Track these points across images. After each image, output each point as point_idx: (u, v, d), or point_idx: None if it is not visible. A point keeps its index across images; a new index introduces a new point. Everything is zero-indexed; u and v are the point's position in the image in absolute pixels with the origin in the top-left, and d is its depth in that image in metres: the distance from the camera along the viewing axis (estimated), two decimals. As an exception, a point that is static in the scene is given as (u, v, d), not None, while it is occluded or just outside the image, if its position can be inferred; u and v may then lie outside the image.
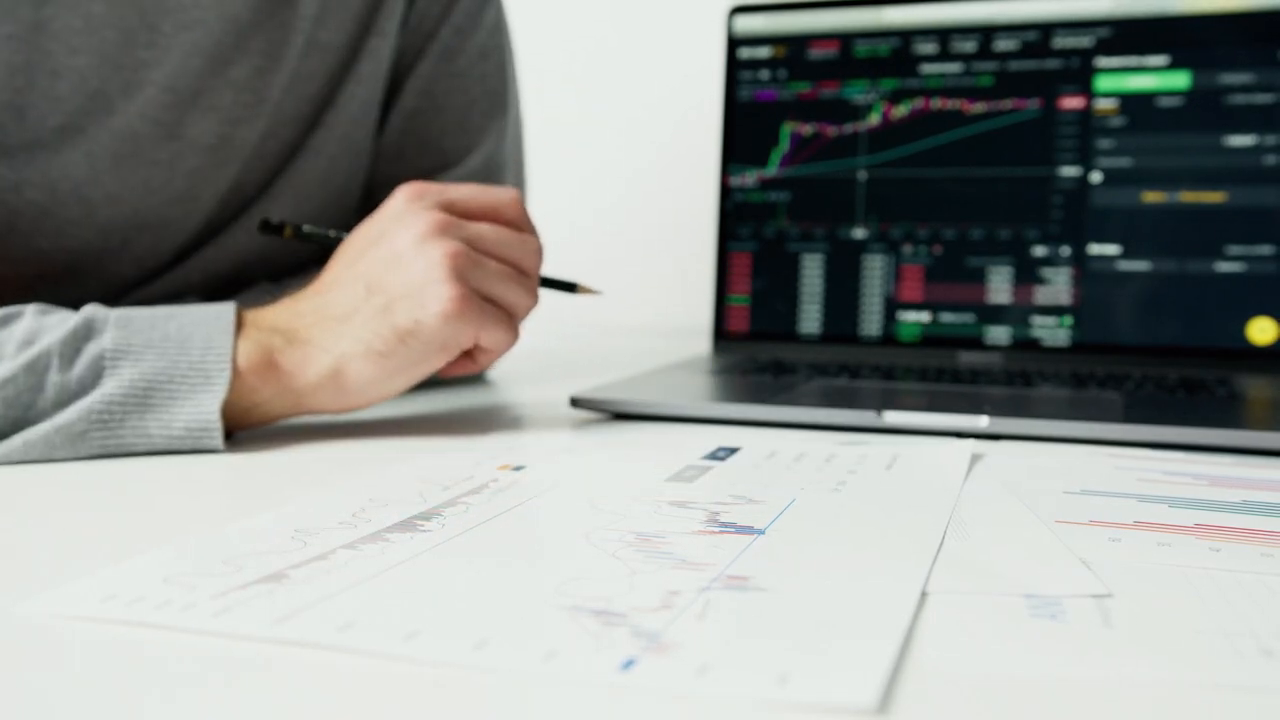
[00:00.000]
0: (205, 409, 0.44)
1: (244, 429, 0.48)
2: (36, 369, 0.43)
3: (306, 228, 0.54)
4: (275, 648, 0.24)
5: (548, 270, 0.55)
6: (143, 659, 0.24)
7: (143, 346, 0.44)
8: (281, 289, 0.51)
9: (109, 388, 0.43)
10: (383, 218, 0.49)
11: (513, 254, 0.49)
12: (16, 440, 0.42)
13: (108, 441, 0.43)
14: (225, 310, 0.47)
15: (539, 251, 0.51)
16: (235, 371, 0.45)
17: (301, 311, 0.48)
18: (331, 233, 0.54)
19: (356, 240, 0.50)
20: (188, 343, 0.45)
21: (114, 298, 0.61)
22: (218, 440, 0.44)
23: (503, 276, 0.49)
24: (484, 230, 0.49)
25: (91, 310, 0.45)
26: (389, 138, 0.69)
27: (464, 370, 0.51)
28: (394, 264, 0.47)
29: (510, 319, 0.50)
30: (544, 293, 0.53)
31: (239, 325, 0.47)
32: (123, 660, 0.24)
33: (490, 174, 0.71)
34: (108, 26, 0.54)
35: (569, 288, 0.56)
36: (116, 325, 0.45)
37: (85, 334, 0.44)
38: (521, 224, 0.51)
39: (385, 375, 0.47)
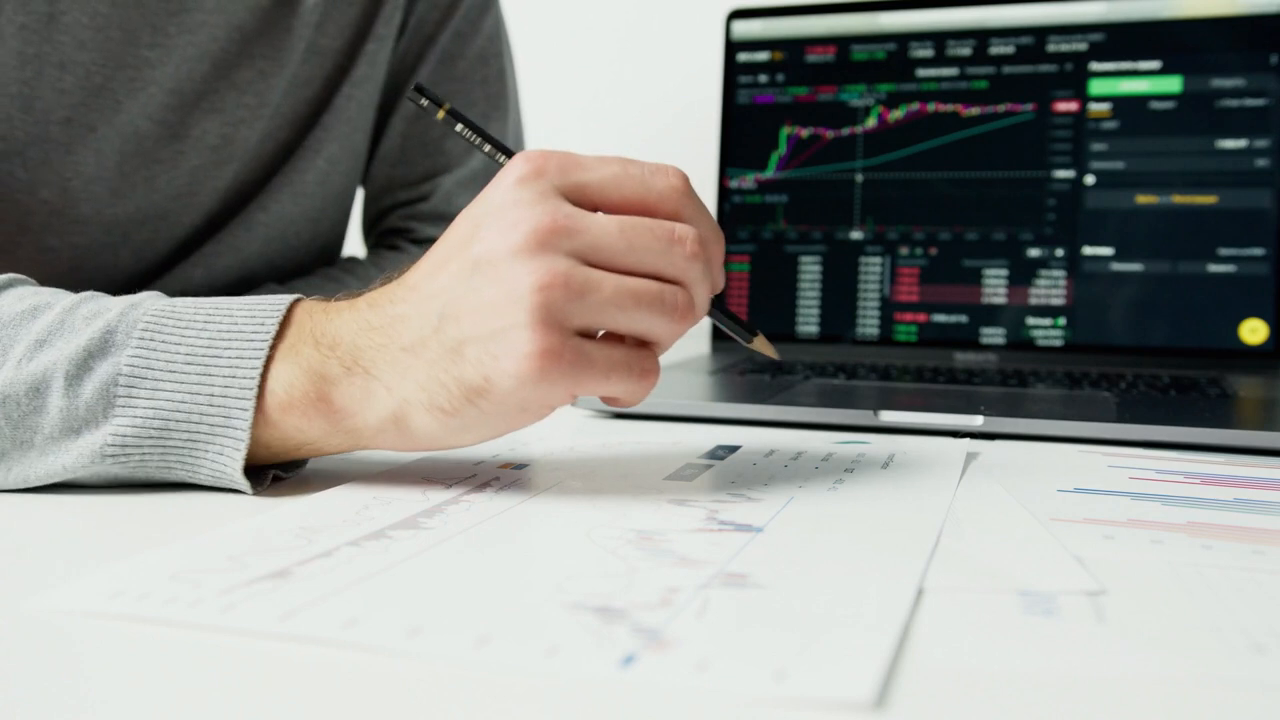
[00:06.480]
0: (226, 463, 0.37)
1: (300, 459, 0.40)
2: (39, 389, 0.37)
3: (460, 127, 0.42)
4: (280, 643, 0.24)
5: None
6: (149, 654, 0.24)
7: (163, 370, 0.37)
8: (384, 276, 0.41)
9: (120, 423, 0.36)
10: (486, 201, 0.37)
11: (653, 262, 0.36)
12: (17, 470, 0.38)
13: (126, 474, 0.38)
14: (272, 313, 0.38)
15: (696, 255, 0.36)
16: (276, 406, 0.37)
17: (373, 324, 0.37)
18: (478, 140, 0.41)
19: (456, 230, 0.37)
20: (212, 366, 0.37)
21: (115, 293, 0.61)
22: (247, 489, 0.38)
23: (632, 303, 0.35)
24: (608, 233, 0.35)
25: (122, 313, 0.38)
26: (391, 141, 0.70)
27: (612, 405, 0.39)
28: (476, 282, 0.35)
29: (639, 359, 0.37)
30: None
31: (294, 336, 0.37)
32: (129, 655, 0.24)
33: (491, 175, 0.71)
34: (112, 25, 0.55)
35: (744, 331, 0.43)
36: (142, 338, 0.37)
37: (101, 349, 0.37)
38: (682, 217, 0.37)
39: (452, 433, 0.37)
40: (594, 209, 0.37)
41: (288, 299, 0.38)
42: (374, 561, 0.30)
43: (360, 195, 0.74)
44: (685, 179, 0.38)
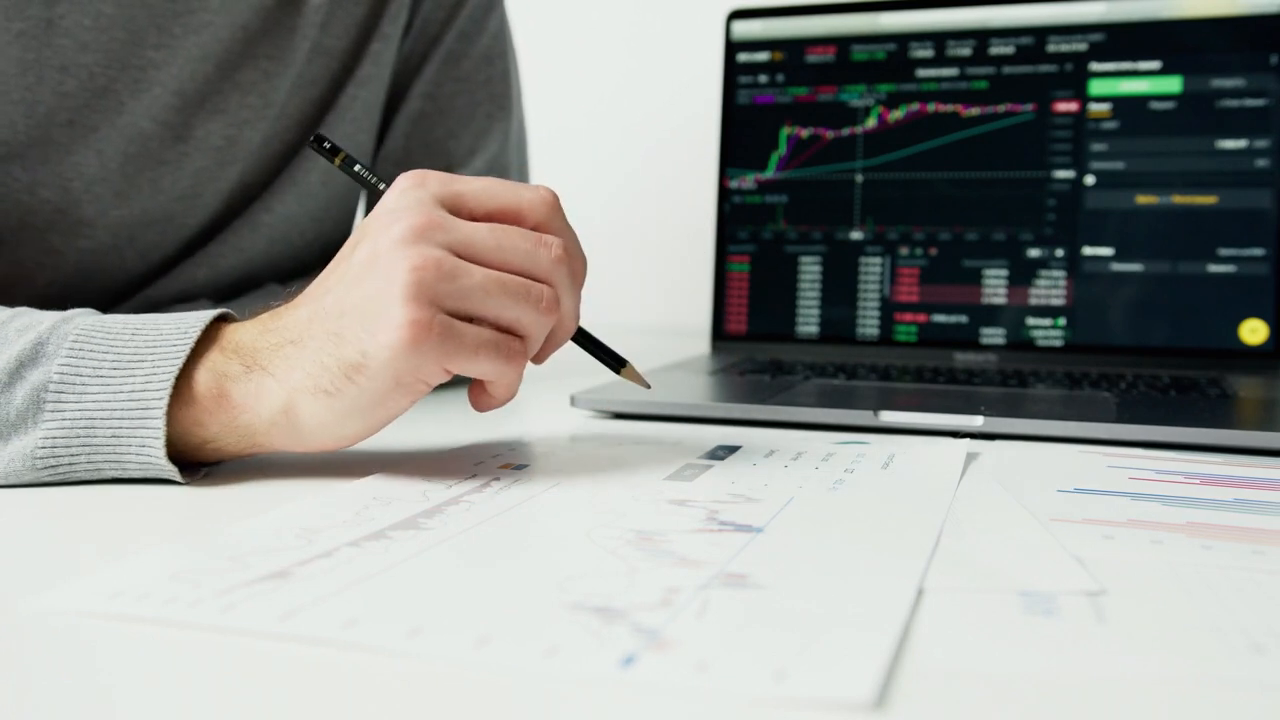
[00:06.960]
0: (151, 454, 0.38)
1: (207, 463, 0.41)
2: None
3: (358, 167, 0.47)
4: (280, 644, 0.24)
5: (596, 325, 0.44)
6: (149, 654, 0.24)
7: (91, 376, 0.39)
8: (289, 292, 0.44)
9: (50, 427, 0.38)
10: (375, 211, 0.41)
11: (519, 261, 0.39)
12: None
13: (60, 479, 0.39)
14: (195, 324, 0.40)
15: (561, 259, 0.40)
16: (188, 402, 0.39)
17: (270, 327, 0.40)
18: (373, 178, 0.46)
19: (350, 238, 0.41)
20: (135, 369, 0.39)
21: (122, 296, 0.61)
22: (177, 477, 0.39)
23: (499, 290, 0.39)
24: (479, 232, 0.39)
25: (54, 326, 0.40)
26: (394, 141, 0.70)
27: (481, 406, 0.42)
28: (359, 276, 0.39)
29: (507, 341, 0.40)
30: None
31: (212, 340, 0.40)
32: (129, 655, 0.24)
33: (495, 176, 0.71)
34: (116, 26, 0.55)
35: (613, 363, 0.46)
36: (73, 349, 0.39)
37: (33, 358, 0.39)
38: (549, 229, 0.41)
39: (336, 419, 0.39)
40: (471, 218, 0.40)
41: (213, 313, 0.41)
42: (374, 562, 0.30)
43: (364, 195, 0.74)
44: (555, 196, 0.42)
